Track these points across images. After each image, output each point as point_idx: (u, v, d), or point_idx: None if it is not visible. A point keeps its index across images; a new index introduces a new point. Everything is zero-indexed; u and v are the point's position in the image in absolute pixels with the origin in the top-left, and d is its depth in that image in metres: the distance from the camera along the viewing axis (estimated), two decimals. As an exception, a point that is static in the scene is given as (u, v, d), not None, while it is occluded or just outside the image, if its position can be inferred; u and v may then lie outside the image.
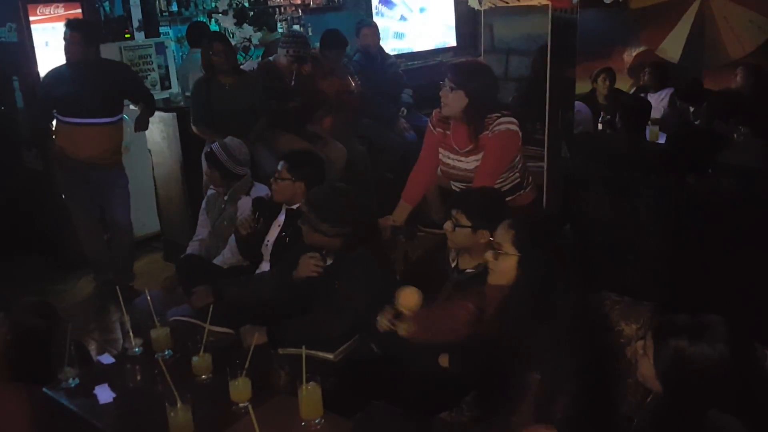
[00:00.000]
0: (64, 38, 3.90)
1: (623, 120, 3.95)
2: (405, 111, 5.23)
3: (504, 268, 2.08)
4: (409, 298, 2.10)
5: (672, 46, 4.94)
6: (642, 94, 4.64)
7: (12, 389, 1.90)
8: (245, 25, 5.45)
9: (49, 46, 4.58)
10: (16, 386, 1.91)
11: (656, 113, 4.51)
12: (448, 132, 2.96)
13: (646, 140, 4.17)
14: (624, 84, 4.92)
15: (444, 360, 2.43)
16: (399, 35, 6.31)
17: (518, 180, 2.96)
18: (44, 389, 2.20)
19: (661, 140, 4.35)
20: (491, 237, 2.17)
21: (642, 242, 3.50)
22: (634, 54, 5.11)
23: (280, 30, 5.70)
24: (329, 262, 2.65)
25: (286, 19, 5.95)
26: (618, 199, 3.56)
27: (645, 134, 4.18)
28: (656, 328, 1.57)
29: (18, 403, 1.88)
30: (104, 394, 2.14)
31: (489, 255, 2.11)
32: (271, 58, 4.81)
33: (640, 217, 3.53)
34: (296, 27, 5.73)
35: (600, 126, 4.25)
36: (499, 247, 2.09)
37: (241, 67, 4.69)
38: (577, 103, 3.87)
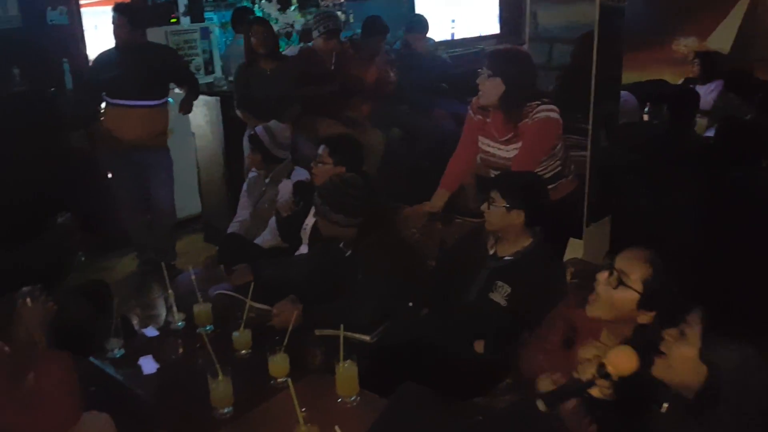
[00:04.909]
0: (113, 22, 3.99)
1: (671, 111, 3.86)
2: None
3: (618, 301, 1.81)
4: (624, 361, 1.60)
5: (722, 37, 4.82)
6: (690, 86, 4.54)
7: (61, 356, 1.97)
8: (289, 11, 5.48)
9: (98, 29, 4.69)
10: (63, 353, 1.98)
11: (704, 106, 4.41)
12: (487, 119, 2.94)
13: (693, 133, 4.09)
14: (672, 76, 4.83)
15: (479, 346, 2.43)
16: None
17: (559, 168, 2.93)
18: (91, 358, 2.28)
19: (709, 134, 4.25)
20: (612, 263, 1.85)
21: (684, 237, 3.42)
22: (682, 45, 5.00)
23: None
24: (348, 253, 2.67)
25: (328, 6, 5.96)
26: (661, 192, 3.50)
27: (692, 126, 4.09)
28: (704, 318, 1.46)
29: (66, 369, 1.94)
30: (148, 365, 2.21)
31: (603, 277, 1.84)
32: (310, 43, 4.85)
33: (683, 212, 3.46)
34: (339, 13, 5.73)
35: (646, 117, 4.17)
36: (624, 277, 1.80)
37: (284, 52, 4.73)
38: (623, 92, 3.80)
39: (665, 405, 1.56)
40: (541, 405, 1.64)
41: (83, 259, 3.00)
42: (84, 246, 3.09)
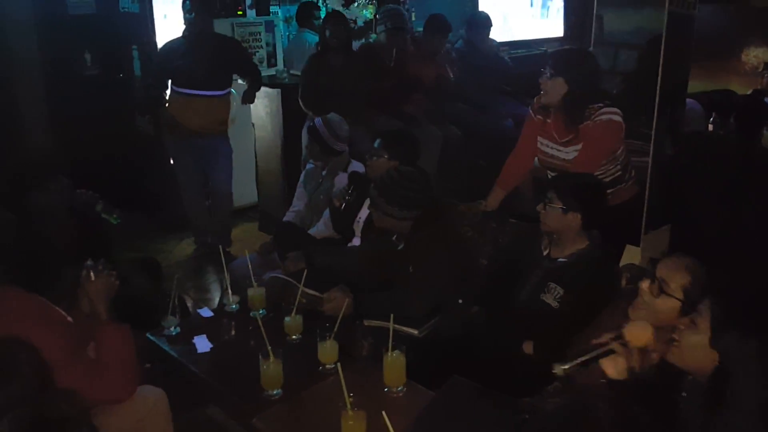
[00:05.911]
0: (185, 11, 4.10)
1: (738, 122, 3.75)
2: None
3: (660, 309, 1.80)
4: (640, 332, 1.67)
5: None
6: (760, 98, 4.39)
7: (120, 328, 2.05)
8: (353, 6, 5.53)
9: (168, 18, 4.83)
10: (123, 326, 2.06)
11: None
12: (548, 120, 2.91)
13: (760, 145, 3.96)
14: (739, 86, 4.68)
15: (528, 347, 2.42)
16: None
17: (619, 173, 2.88)
18: (147, 334, 2.36)
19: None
20: (658, 271, 1.84)
21: (745, 251, 3.32)
22: (752, 55, 4.85)
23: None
24: (400, 246, 2.68)
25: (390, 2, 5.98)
26: (724, 204, 3.39)
27: (759, 139, 3.96)
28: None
29: (125, 342, 2.02)
30: (202, 343, 2.28)
31: (645, 285, 1.83)
32: (371, 39, 4.88)
33: (745, 225, 3.35)
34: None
35: (711, 126, 4.05)
36: (665, 286, 1.81)
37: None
38: (689, 100, 3.71)
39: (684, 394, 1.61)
40: (558, 369, 1.71)
41: (117, 221, 3.04)
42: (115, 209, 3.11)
